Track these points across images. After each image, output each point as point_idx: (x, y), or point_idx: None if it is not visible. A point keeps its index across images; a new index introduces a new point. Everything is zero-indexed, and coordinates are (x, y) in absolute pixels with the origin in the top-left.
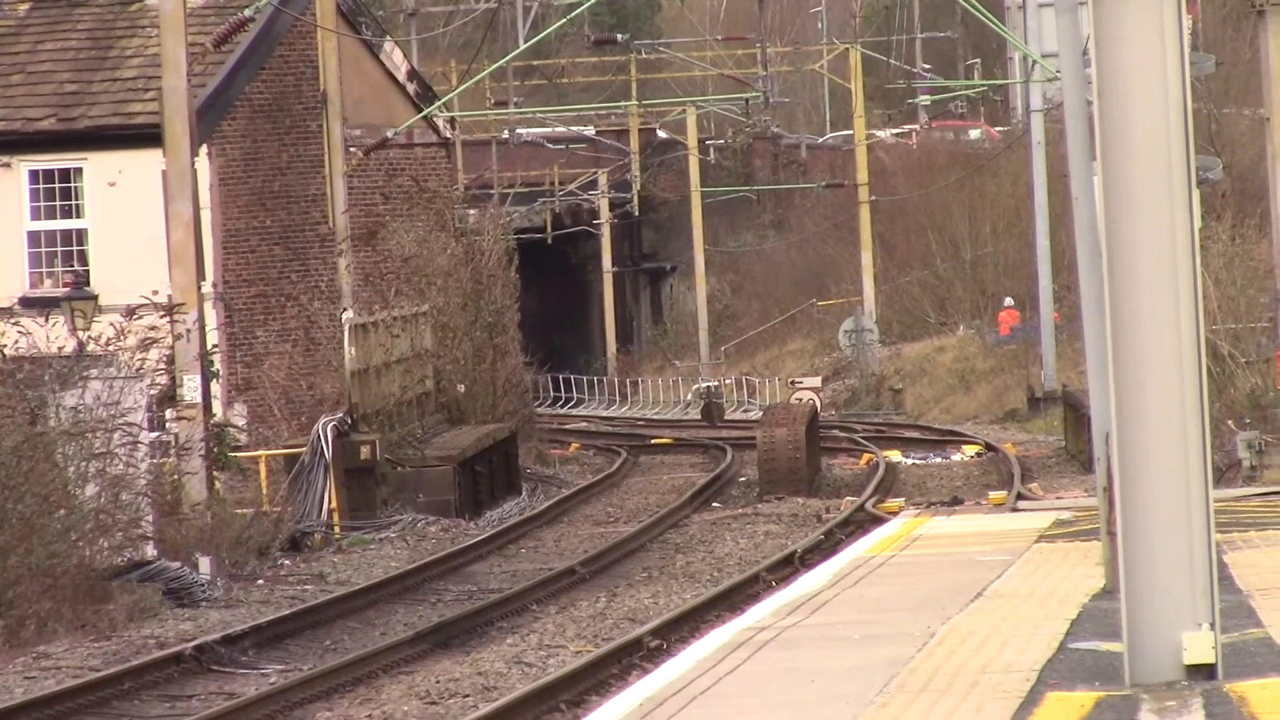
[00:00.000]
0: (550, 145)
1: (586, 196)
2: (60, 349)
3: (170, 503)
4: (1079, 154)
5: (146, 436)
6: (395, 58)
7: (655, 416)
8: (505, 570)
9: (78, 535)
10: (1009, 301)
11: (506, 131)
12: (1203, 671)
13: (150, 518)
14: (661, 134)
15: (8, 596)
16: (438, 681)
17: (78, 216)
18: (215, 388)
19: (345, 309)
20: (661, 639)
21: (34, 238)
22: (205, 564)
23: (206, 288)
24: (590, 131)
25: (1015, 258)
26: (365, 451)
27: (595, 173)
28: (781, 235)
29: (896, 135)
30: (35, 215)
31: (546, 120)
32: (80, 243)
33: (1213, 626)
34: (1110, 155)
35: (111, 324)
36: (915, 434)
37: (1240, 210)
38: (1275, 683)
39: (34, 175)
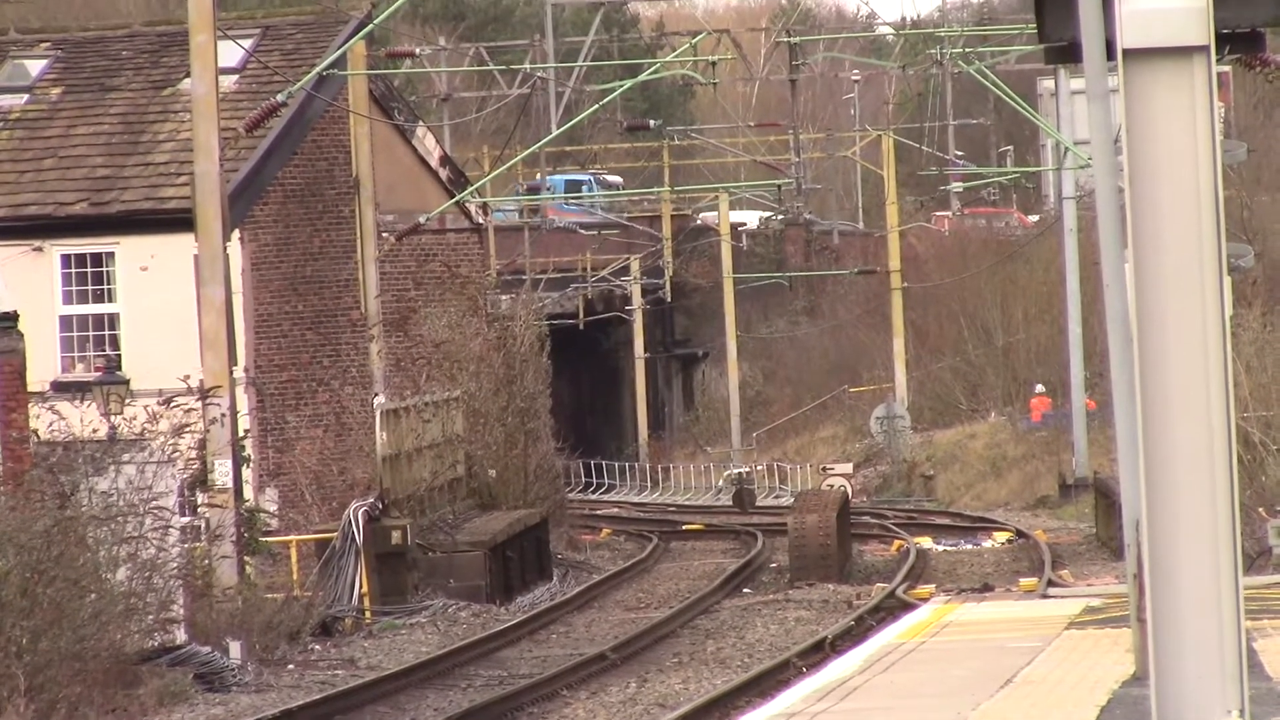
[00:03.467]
0: (583, 231)
1: (619, 282)
2: (94, 432)
3: (201, 587)
4: (1110, 241)
5: (178, 521)
6: (428, 143)
7: (687, 502)
8: (536, 655)
9: (108, 619)
10: (1040, 388)
11: (539, 217)
12: None
13: (181, 602)
14: (700, 220)
15: (38, 680)
16: None
17: (109, 301)
18: (246, 472)
19: (377, 394)
20: None
21: (66, 322)
22: (236, 649)
23: (238, 372)
24: (623, 217)
25: (1047, 344)
26: (396, 536)
27: (628, 259)
28: (814, 321)
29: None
30: (67, 300)
31: (579, 206)
32: (112, 327)
33: (1243, 714)
34: (1141, 242)
35: (145, 408)
36: (946, 520)
37: (1271, 297)
38: None
39: (66, 260)
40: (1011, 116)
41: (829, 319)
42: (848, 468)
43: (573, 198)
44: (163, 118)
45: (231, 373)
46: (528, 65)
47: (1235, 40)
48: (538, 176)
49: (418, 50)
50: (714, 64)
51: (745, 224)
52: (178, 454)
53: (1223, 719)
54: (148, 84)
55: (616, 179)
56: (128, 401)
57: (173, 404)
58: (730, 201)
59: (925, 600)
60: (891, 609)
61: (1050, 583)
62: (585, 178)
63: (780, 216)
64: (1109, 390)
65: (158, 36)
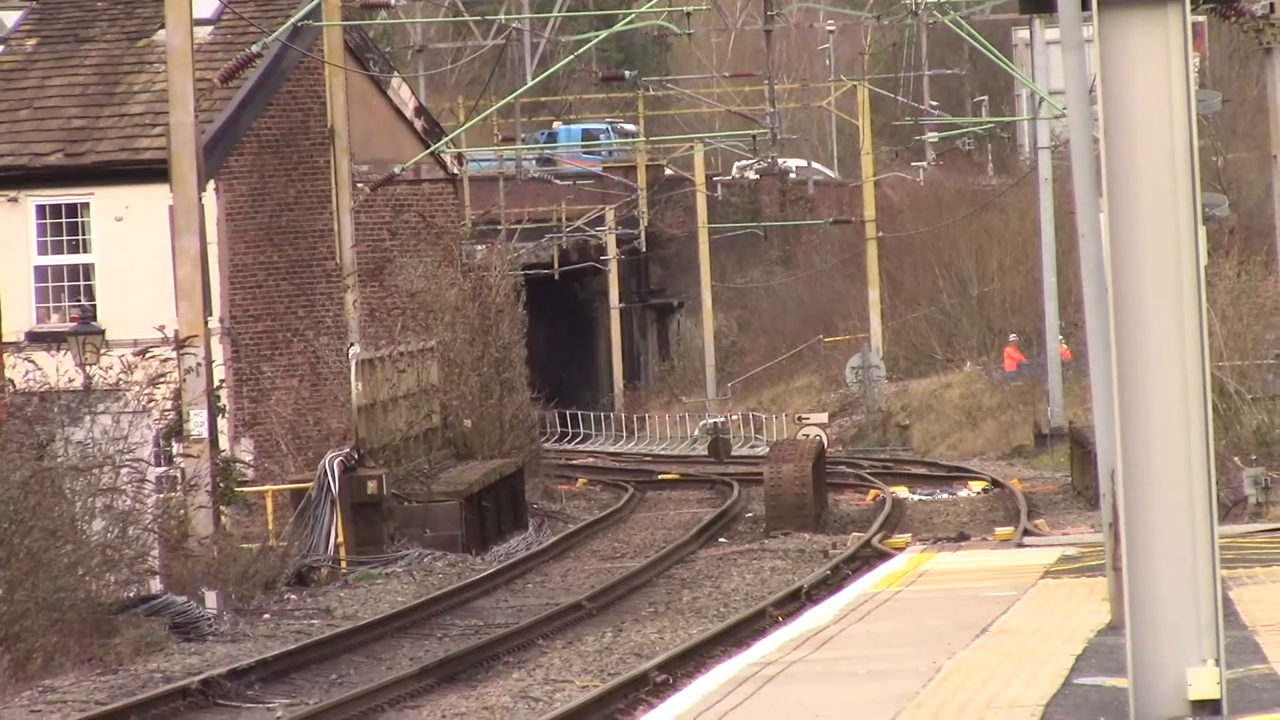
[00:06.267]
0: (558, 181)
1: (594, 232)
2: (70, 382)
3: (177, 537)
4: (1085, 191)
5: (153, 471)
6: (403, 94)
7: (662, 452)
8: (512, 605)
9: (84, 570)
10: (1013, 337)
11: (514, 167)
12: (1207, 707)
13: (157, 552)
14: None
15: (14, 630)
16: (443, 716)
17: (84, 251)
18: (222, 423)
19: (352, 344)
20: (668, 674)
21: (41, 272)
22: (211, 598)
23: (213, 323)
24: (598, 168)
25: (1022, 294)
26: (372, 486)
27: (603, 209)
28: (789, 271)
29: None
30: (42, 250)
31: (554, 156)
32: (87, 277)
33: (1218, 662)
34: (1116, 192)
35: (120, 358)
36: (922, 470)
37: (1247, 247)
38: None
39: (41, 210)
40: (987, 67)
41: (804, 269)
42: (823, 417)
43: (590, 145)
44: (138, 69)
45: (206, 323)
46: (503, 16)
47: None
48: (554, 125)
49: (393, 1)
50: (689, 14)
51: (720, 174)
52: (153, 404)
53: (1198, 668)
54: (122, 35)
55: (632, 126)
56: (103, 352)
57: (148, 354)
58: (705, 152)
59: (901, 550)
60: (867, 558)
61: (1026, 532)
62: (603, 126)
63: (755, 166)
64: (1085, 340)
65: None
